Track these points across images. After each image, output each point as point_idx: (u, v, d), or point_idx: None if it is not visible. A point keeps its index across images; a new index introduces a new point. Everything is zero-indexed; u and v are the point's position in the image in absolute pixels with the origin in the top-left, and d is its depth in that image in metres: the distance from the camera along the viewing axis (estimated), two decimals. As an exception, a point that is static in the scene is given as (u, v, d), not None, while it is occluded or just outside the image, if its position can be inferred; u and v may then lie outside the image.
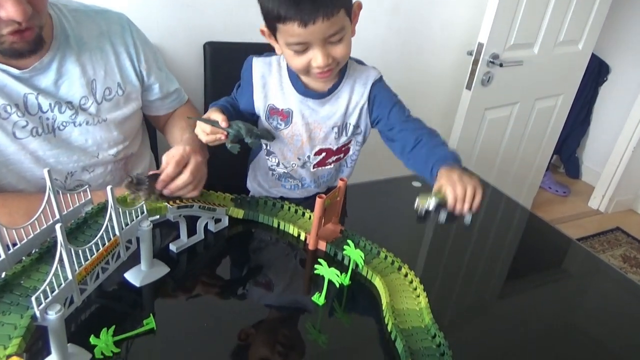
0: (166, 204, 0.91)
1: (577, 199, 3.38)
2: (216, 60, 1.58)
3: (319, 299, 0.90)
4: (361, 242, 1.06)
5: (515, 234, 1.31)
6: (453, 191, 0.92)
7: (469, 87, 2.04)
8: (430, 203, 0.92)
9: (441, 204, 0.92)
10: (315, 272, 0.87)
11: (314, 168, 1.27)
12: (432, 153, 1.06)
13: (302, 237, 1.07)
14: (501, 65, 2.00)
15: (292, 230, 1.09)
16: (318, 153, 1.23)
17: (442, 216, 0.94)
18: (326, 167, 1.28)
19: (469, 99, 2.05)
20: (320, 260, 0.87)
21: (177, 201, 0.94)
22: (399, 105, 1.19)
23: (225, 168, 1.23)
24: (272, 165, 1.28)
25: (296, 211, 1.15)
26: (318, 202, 0.99)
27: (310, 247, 1.05)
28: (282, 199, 1.25)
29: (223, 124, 1.02)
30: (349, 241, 0.93)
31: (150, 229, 0.83)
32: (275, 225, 1.10)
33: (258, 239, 1.08)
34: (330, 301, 0.91)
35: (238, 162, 1.33)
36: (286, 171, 1.27)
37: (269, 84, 1.14)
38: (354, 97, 1.17)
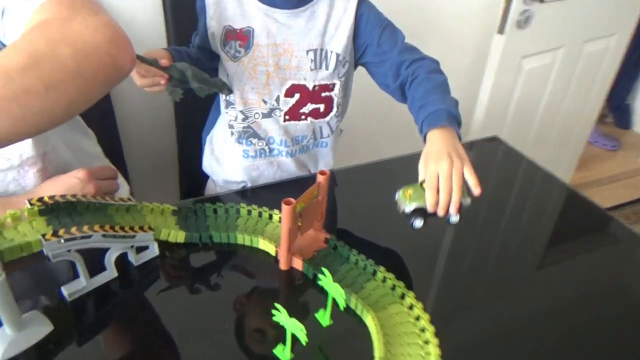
0: (40, 237, 0.63)
1: (628, 153, 2.96)
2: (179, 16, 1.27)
3: (284, 353, 0.64)
4: (352, 257, 0.79)
5: (556, 230, 1.00)
6: (433, 190, 0.75)
7: (501, 31, 1.67)
8: (406, 206, 0.77)
9: (420, 208, 0.76)
10: (274, 318, 0.61)
11: (284, 121, 0.99)
12: (426, 101, 0.85)
13: (272, 251, 0.81)
14: (542, 0, 1.61)
15: (259, 244, 0.82)
16: (289, 93, 0.96)
17: (417, 223, 0.78)
18: (301, 122, 1.00)
19: (502, 46, 1.69)
20: (277, 306, 0.60)
21: (64, 231, 0.65)
22: (391, 28, 0.95)
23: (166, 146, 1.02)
24: (230, 121, 1.01)
25: (260, 214, 0.87)
26: (285, 209, 0.71)
27: (282, 266, 0.78)
28: (244, 193, 0.98)
29: (163, 62, 0.76)
30: (324, 270, 0.66)
31: (4, 281, 0.57)
32: (234, 241, 0.83)
33: (206, 266, 0.81)
34: (299, 353, 0.65)
35: (192, 136, 1.08)
36: (247, 125, 1.00)
37: (224, 1, 0.91)
38: (334, 13, 0.92)
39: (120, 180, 1.06)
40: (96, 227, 0.68)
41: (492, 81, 1.76)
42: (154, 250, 0.78)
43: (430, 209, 0.75)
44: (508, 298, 0.79)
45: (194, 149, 1.19)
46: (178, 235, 0.80)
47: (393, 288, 0.74)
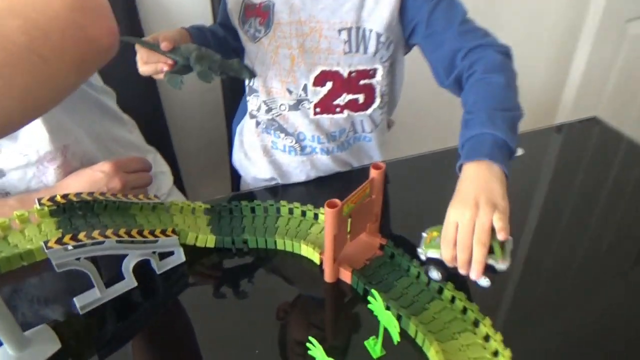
0: (42, 243, 0.54)
1: None
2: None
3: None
4: (412, 269, 0.63)
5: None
6: (449, 243, 0.57)
7: (601, -11, 1.40)
8: (422, 252, 0.62)
9: (437, 258, 0.60)
10: (309, 352, 0.48)
11: (315, 114, 0.83)
12: (471, 116, 0.66)
13: (317, 260, 0.67)
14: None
15: (301, 250, 0.69)
16: (319, 81, 0.80)
17: (433, 274, 0.62)
18: (336, 115, 0.83)
19: (602, 8, 1.41)
20: (311, 340, 0.47)
21: (71, 237, 0.55)
22: (448, 1, 0.74)
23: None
24: (253, 111, 0.87)
25: (304, 214, 0.74)
26: (329, 213, 0.57)
27: (327, 278, 0.65)
28: (276, 190, 0.85)
29: (164, 45, 0.66)
30: (374, 292, 0.51)
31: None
32: (272, 246, 0.70)
33: (239, 275, 0.68)
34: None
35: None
36: (272, 117, 0.85)
37: None
38: None
39: (165, 170, 0.98)
40: (108, 232, 0.59)
41: (588, 51, 1.49)
42: (179, 257, 0.68)
43: (448, 264, 0.58)
44: (599, 307, 0.60)
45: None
46: (207, 240, 0.69)
47: (464, 311, 0.58)
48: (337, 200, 0.58)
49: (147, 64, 0.68)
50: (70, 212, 0.63)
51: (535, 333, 0.59)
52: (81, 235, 0.57)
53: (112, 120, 0.85)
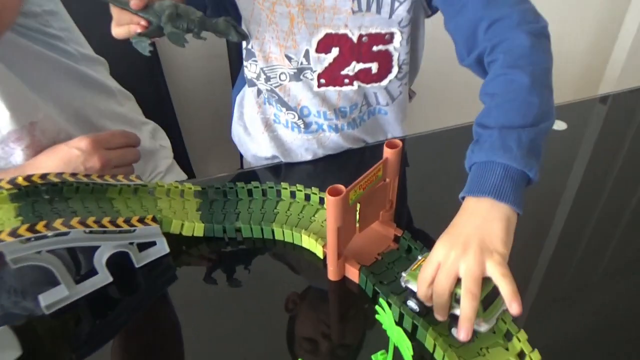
0: None
1: None
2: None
3: None
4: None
5: None
6: (423, 282, 0.46)
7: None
8: (403, 279, 0.49)
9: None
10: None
11: (319, 86, 0.72)
12: (483, 131, 0.52)
13: (319, 253, 0.58)
14: None
15: (302, 241, 0.59)
16: (324, 46, 0.68)
17: (410, 303, 0.49)
18: (344, 87, 0.72)
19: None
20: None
21: (28, 228, 0.47)
22: None
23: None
24: (252, 78, 0.75)
25: (308, 198, 0.64)
26: (331, 202, 0.47)
27: (331, 276, 0.55)
28: (278, 169, 0.75)
29: (133, 3, 0.55)
30: (382, 302, 0.41)
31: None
32: (269, 236, 0.61)
33: (230, 270, 0.58)
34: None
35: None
36: (271, 89, 0.74)
37: None
38: None
39: (166, 144, 0.89)
40: (74, 222, 0.50)
41: (633, 31, 1.32)
42: (162, 248, 0.59)
43: (425, 303, 0.47)
44: None
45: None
46: (195, 228, 0.60)
47: (508, 336, 0.48)
48: (341, 186, 0.47)
49: (120, 25, 0.58)
50: (34, 196, 0.54)
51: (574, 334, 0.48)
52: (40, 226, 0.48)
53: (96, 92, 0.76)
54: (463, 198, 0.50)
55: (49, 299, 0.52)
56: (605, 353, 0.48)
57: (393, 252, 0.56)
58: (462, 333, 0.42)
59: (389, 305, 0.49)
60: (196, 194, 0.66)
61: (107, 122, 0.77)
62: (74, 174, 0.58)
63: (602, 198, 0.68)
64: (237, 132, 0.87)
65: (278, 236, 0.60)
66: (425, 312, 0.48)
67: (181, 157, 1.01)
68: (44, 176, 0.55)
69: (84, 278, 0.55)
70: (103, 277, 0.55)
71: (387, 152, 0.53)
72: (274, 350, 0.49)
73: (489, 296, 0.44)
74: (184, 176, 0.92)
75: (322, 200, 0.63)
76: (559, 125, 0.84)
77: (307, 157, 0.79)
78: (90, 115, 0.74)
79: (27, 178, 0.54)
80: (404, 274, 0.49)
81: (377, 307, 0.42)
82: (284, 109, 0.75)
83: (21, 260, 0.49)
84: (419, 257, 0.50)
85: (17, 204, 0.53)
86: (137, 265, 0.58)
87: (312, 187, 0.64)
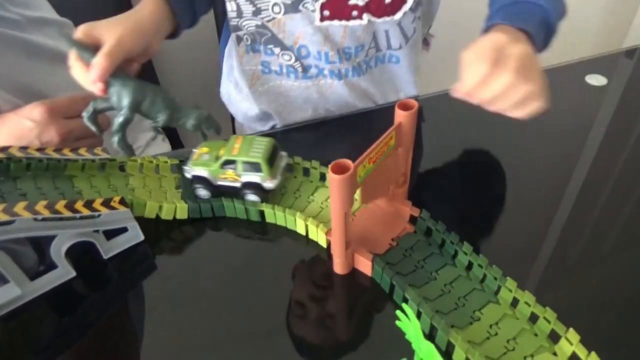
0: None
1: None
2: None
3: None
4: (461, 256, 0.44)
5: None
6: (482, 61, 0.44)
7: None
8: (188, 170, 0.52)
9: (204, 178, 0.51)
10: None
11: (322, 19, 0.62)
12: None
13: (322, 242, 0.48)
14: None
15: (297, 226, 0.50)
16: None
17: (202, 192, 0.52)
18: (351, 21, 0.62)
19: None
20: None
21: None
22: None
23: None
24: (232, 20, 0.64)
25: (306, 172, 0.55)
26: (335, 181, 0.37)
27: (337, 269, 0.46)
28: (272, 137, 0.65)
29: (98, 88, 0.47)
30: (406, 307, 0.33)
31: None
32: (256, 218, 0.52)
33: (216, 260, 0.50)
34: None
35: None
36: (262, 21, 0.63)
37: None
38: None
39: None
40: (18, 208, 0.40)
41: None
42: (135, 234, 0.50)
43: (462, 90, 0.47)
44: None
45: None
46: (177, 209, 0.51)
47: (532, 319, 0.40)
48: (346, 162, 0.38)
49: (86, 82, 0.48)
50: (-28, 177, 0.44)
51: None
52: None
53: (50, 62, 0.64)
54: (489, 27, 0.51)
55: (-2, 300, 0.43)
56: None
57: (410, 236, 0.47)
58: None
59: (418, 314, 0.40)
60: (173, 169, 0.56)
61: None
62: (23, 148, 0.48)
63: (621, 160, 0.60)
64: (227, 89, 0.76)
65: (269, 218, 0.51)
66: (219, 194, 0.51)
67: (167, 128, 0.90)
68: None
69: (43, 273, 0.46)
70: (64, 272, 0.46)
71: (400, 115, 0.44)
72: (272, 353, 0.41)
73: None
74: (168, 149, 0.82)
75: (323, 177, 0.54)
76: (600, 80, 0.74)
77: (307, 111, 0.69)
78: (46, 91, 0.62)
79: (-37, 155, 0.44)
80: (186, 167, 0.51)
81: (399, 312, 0.33)
82: (277, 50, 0.65)
83: (-45, 257, 0.39)
84: (194, 150, 0.52)
85: (-51, 186, 0.43)
86: (105, 257, 0.48)
87: (312, 160, 0.55)
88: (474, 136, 0.64)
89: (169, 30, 0.56)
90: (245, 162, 0.49)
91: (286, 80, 0.67)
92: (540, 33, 0.52)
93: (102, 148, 0.53)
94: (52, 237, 0.44)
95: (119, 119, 0.48)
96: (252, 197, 0.51)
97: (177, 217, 0.51)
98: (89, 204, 0.45)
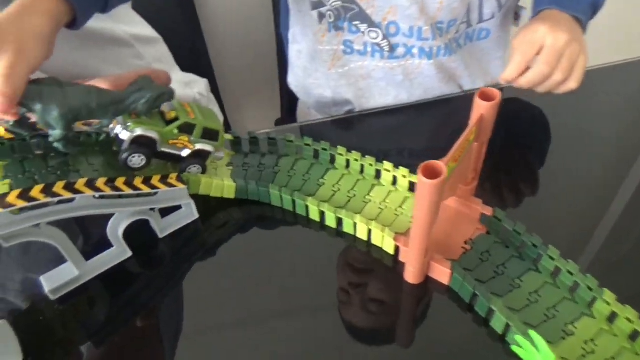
0: None
1: None
2: None
3: None
4: (545, 259, 0.41)
5: None
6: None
7: None
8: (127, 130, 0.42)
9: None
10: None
11: None
12: None
13: (389, 248, 0.45)
14: None
15: (356, 230, 0.46)
16: None
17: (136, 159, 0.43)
18: None
19: None
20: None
21: (20, 194, 0.35)
22: None
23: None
24: None
25: (362, 169, 0.51)
26: (425, 187, 0.34)
27: (410, 278, 0.43)
28: (346, 122, 0.62)
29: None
30: (533, 334, 0.31)
31: None
32: (302, 212, 0.48)
33: (273, 249, 0.47)
34: None
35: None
36: None
37: None
38: None
39: (204, 93, 0.74)
40: (79, 185, 0.38)
41: None
42: (191, 213, 0.47)
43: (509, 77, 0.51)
44: None
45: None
46: (225, 188, 0.48)
47: (632, 337, 0.37)
48: (438, 164, 0.34)
49: None
50: (22, 152, 0.41)
51: None
52: (35, 192, 0.36)
53: (100, 47, 0.59)
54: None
55: (54, 282, 0.42)
56: None
57: (484, 238, 0.44)
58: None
59: (506, 327, 0.37)
60: (227, 145, 0.53)
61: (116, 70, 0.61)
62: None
63: None
64: (296, 75, 0.71)
65: (313, 215, 0.48)
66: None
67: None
68: (34, 125, 0.42)
69: (94, 253, 0.44)
70: (120, 252, 0.44)
71: (482, 107, 0.40)
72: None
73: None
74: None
75: (378, 174, 0.50)
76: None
77: (388, 95, 0.65)
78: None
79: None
80: (117, 127, 0.41)
81: (518, 338, 0.31)
82: (363, 27, 0.60)
83: (14, 237, 0.37)
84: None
85: (1, 161, 0.40)
86: (160, 236, 0.46)
87: (366, 157, 0.50)
88: (532, 129, 0.60)
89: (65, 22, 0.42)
90: (205, 128, 0.45)
91: (370, 60, 0.63)
92: (589, 14, 0.54)
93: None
94: (107, 216, 0.42)
95: (54, 135, 0.39)
96: (195, 168, 0.47)
97: (224, 195, 0.49)
98: (147, 181, 0.42)
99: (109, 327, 0.40)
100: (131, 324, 0.41)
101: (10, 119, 0.38)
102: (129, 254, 0.45)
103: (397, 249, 0.44)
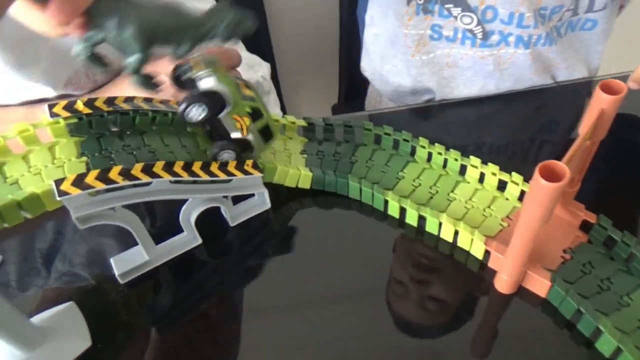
0: (52, 183, 0.32)
1: None
2: None
3: None
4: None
5: None
6: None
7: None
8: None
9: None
10: None
11: None
12: None
13: (477, 252, 0.41)
14: None
15: (444, 231, 0.42)
16: None
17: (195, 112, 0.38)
18: None
19: None
20: None
21: (97, 176, 0.33)
22: None
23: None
24: None
25: (445, 164, 0.47)
26: (543, 189, 0.30)
27: (501, 287, 0.39)
28: (427, 111, 0.58)
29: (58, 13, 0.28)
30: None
31: None
32: (379, 207, 0.45)
33: (345, 245, 0.44)
34: None
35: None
36: None
37: None
38: None
39: (266, 76, 0.71)
40: (157, 168, 0.36)
41: None
42: (263, 202, 0.45)
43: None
44: None
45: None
46: (301, 177, 0.45)
47: None
48: (559, 165, 0.30)
49: None
50: (99, 128, 0.40)
51: None
52: (114, 174, 0.34)
53: None
54: None
55: (125, 265, 0.40)
56: None
57: (585, 248, 0.40)
58: None
59: (616, 351, 0.33)
60: (299, 131, 0.50)
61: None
62: (148, 99, 0.42)
63: None
64: (371, 60, 0.67)
65: (392, 212, 0.44)
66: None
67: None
68: (110, 101, 0.40)
69: (161, 237, 0.42)
70: (190, 238, 0.43)
71: (604, 101, 0.35)
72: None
73: None
74: (278, 113, 0.76)
75: (463, 170, 0.46)
76: None
77: (474, 86, 0.61)
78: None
79: (89, 103, 0.39)
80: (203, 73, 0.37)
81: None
82: (456, 11, 0.55)
83: (90, 219, 0.36)
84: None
85: (79, 137, 0.39)
86: (231, 224, 0.44)
87: (450, 151, 0.47)
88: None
89: None
90: (267, 126, 0.42)
91: (459, 47, 0.58)
92: None
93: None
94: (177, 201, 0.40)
95: (130, 61, 0.33)
96: (227, 154, 0.41)
97: (299, 186, 0.46)
98: (223, 167, 0.40)
99: (175, 314, 0.39)
100: (198, 312, 0.39)
101: (74, 33, 0.31)
102: (199, 241, 0.43)
103: (486, 253, 0.40)
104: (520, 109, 0.58)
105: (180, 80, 0.39)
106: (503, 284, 0.38)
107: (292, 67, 1.02)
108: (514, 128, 0.55)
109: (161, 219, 0.46)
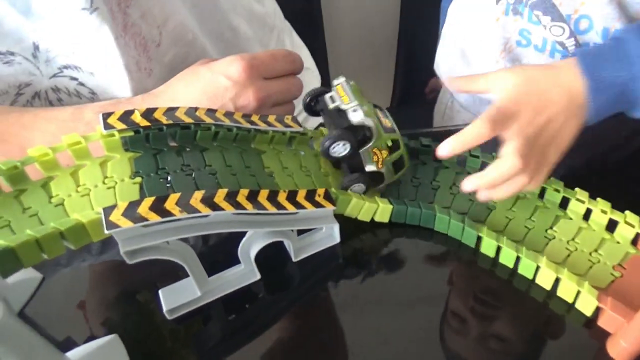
0: (100, 214, 0.28)
1: None
2: None
3: None
4: None
5: None
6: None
7: None
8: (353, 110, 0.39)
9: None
10: None
11: None
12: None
13: (586, 308, 0.34)
14: None
15: (541, 276, 0.35)
16: None
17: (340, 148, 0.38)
18: None
19: None
20: None
21: (152, 205, 0.29)
22: None
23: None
24: None
25: (542, 193, 0.41)
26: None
27: (620, 357, 0.32)
28: None
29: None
30: None
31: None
32: (469, 242, 0.39)
33: (424, 287, 0.39)
34: None
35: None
36: None
37: None
38: None
39: (311, 66, 0.66)
40: (218, 198, 0.31)
41: None
42: (332, 236, 0.40)
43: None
44: None
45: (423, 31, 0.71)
46: (379, 211, 0.40)
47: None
48: None
49: None
50: (157, 143, 0.35)
51: None
52: (170, 204, 0.30)
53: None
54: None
55: (174, 300, 0.36)
56: None
57: None
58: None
59: None
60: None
61: (241, 21, 0.54)
62: (211, 111, 0.37)
63: None
64: (449, 58, 0.61)
65: (485, 250, 0.38)
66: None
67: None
68: (170, 112, 0.35)
69: (214, 269, 0.37)
70: (248, 272, 0.37)
71: None
72: None
73: None
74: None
75: (565, 202, 0.40)
76: None
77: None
78: (222, 7, 0.51)
79: (147, 114, 0.34)
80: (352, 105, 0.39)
81: None
82: (546, 20, 0.48)
83: (141, 254, 0.31)
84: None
85: (134, 153, 0.34)
86: (294, 259, 0.39)
87: (552, 179, 0.40)
88: None
89: None
90: (401, 157, 0.40)
91: (547, 59, 0.51)
92: (613, 105, 0.38)
93: (292, 117, 0.42)
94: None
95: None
96: (358, 187, 0.40)
97: (376, 219, 0.40)
98: (292, 198, 0.35)
99: (225, 353, 0.34)
100: (251, 353, 0.34)
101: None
102: (258, 276, 0.38)
103: (597, 313, 0.34)
104: (603, 129, 0.50)
105: (312, 107, 0.42)
106: (621, 351, 0.32)
107: (344, 66, 0.97)
108: (594, 152, 0.47)
109: (215, 246, 0.41)
